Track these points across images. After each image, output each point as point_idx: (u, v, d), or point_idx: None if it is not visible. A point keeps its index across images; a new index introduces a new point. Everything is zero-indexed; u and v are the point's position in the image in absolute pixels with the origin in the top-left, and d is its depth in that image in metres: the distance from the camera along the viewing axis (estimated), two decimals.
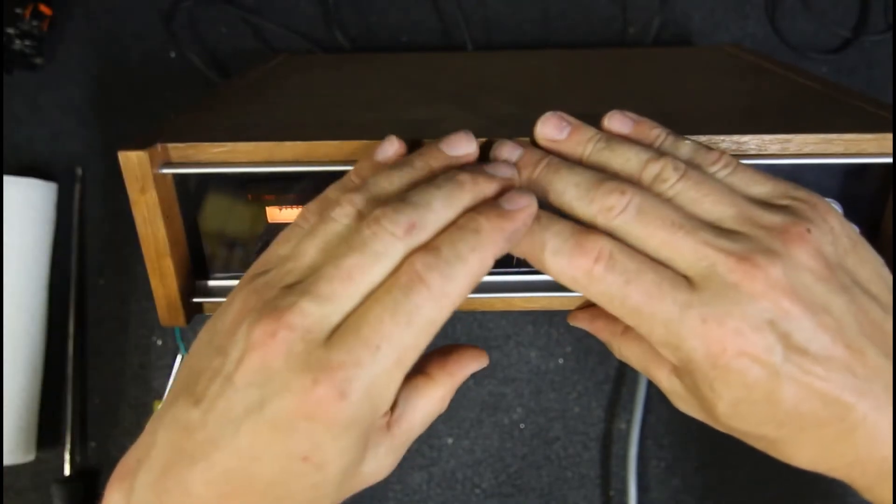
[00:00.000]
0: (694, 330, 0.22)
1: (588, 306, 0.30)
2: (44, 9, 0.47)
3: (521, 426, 0.51)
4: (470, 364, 0.28)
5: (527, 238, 0.24)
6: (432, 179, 0.24)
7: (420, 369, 0.26)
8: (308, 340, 0.21)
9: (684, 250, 0.23)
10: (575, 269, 0.23)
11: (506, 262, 0.29)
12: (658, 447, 0.50)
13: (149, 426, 0.23)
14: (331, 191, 0.25)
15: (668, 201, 0.24)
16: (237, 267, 0.29)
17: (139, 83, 0.50)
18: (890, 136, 0.26)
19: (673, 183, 0.24)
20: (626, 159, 0.25)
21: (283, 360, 0.21)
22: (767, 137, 0.26)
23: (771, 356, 0.22)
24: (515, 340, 0.50)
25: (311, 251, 0.23)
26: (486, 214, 0.23)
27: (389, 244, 0.22)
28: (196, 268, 0.29)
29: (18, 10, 0.46)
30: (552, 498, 0.51)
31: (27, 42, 0.47)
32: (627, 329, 0.27)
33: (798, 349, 0.22)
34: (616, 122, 0.27)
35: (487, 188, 0.24)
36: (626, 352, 0.27)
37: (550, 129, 0.26)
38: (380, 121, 0.30)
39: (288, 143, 0.26)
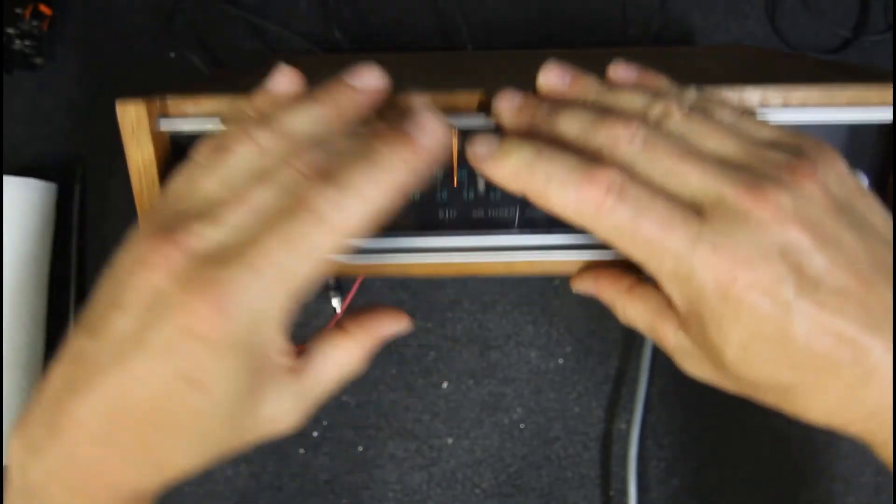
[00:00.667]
0: (705, 260, 0.21)
1: (589, 268, 0.29)
2: (44, 9, 0.47)
3: (521, 426, 0.51)
4: (387, 323, 0.27)
5: (528, 171, 0.23)
6: (345, 122, 0.23)
7: (338, 325, 0.26)
8: (195, 260, 0.21)
9: (692, 180, 0.22)
10: (584, 201, 0.22)
11: (507, 225, 0.28)
12: (658, 447, 0.50)
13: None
14: (228, 125, 0.24)
15: (667, 134, 0.23)
16: None
17: (139, 83, 0.50)
18: (890, 85, 0.26)
19: (679, 119, 0.24)
20: (630, 101, 0.25)
21: (168, 278, 0.20)
22: (771, 89, 0.26)
23: (782, 288, 0.21)
24: (515, 340, 0.50)
25: (208, 184, 0.22)
26: (390, 143, 0.22)
27: (289, 175, 0.21)
28: None
29: (18, 10, 0.46)
30: (552, 498, 0.51)
31: (27, 42, 0.47)
32: (633, 286, 0.27)
33: (811, 282, 0.21)
34: (621, 70, 0.26)
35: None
36: (631, 311, 0.27)
37: (553, 77, 0.26)
38: None
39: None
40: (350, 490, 0.51)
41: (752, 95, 0.26)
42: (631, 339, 0.50)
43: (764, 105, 0.27)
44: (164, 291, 0.20)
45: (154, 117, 0.26)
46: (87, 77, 0.50)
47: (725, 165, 0.22)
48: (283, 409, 0.24)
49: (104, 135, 0.49)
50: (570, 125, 0.24)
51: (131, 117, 0.25)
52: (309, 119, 0.23)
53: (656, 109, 0.24)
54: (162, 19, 0.50)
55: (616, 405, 0.50)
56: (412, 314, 0.50)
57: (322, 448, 0.51)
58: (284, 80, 0.25)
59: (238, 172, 0.22)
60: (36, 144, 0.49)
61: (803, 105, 0.26)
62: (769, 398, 0.24)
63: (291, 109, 0.23)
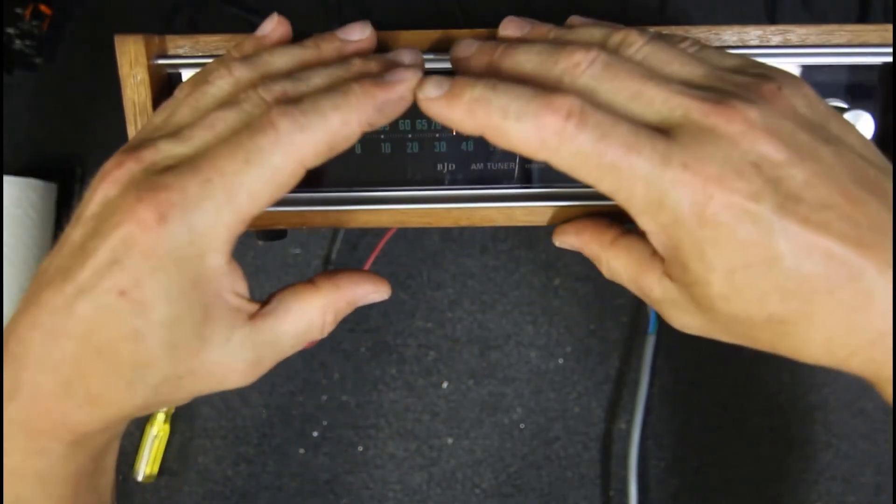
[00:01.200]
0: (676, 178, 0.20)
1: (572, 222, 0.28)
2: (44, 9, 0.47)
3: (521, 426, 0.51)
4: (363, 286, 0.26)
5: (483, 107, 0.22)
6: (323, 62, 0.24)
7: (311, 280, 0.25)
8: (149, 170, 0.20)
9: (656, 101, 0.21)
10: (543, 129, 0.21)
11: (506, 177, 0.28)
12: (658, 447, 0.50)
13: None
14: (210, 64, 0.24)
15: (629, 59, 0.23)
16: None
17: None
18: (890, 26, 0.26)
19: (640, 47, 0.23)
20: (590, 33, 0.24)
21: (121, 186, 0.20)
22: (770, 28, 0.26)
23: (760, 204, 0.20)
24: (515, 340, 0.50)
25: (184, 112, 0.22)
26: (360, 81, 0.22)
27: (255, 99, 0.22)
28: None
29: (18, 10, 0.46)
30: (552, 498, 0.51)
31: (27, 42, 0.47)
32: (616, 239, 0.26)
33: (791, 197, 0.20)
34: (577, 19, 0.27)
35: (377, 69, 0.23)
36: (615, 262, 0.25)
37: (512, 28, 0.26)
38: None
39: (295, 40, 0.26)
40: (350, 490, 0.51)
41: (751, 34, 0.26)
42: (631, 339, 0.50)
43: (764, 44, 0.26)
44: (115, 197, 0.20)
45: (152, 54, 0.26)
46: (87, 77, 0.50)
47: (690, 86, 0.22)
48: (234, 356, 0.23)
49: (104, 135, 0.49)
50: (528, 57, 0.23)
51: (129, 53, 0.25)
52: (288, 58, 0.24)
53: (616, 38, 0.23)
54: (162, 19, 0.50)
55: (616, 405, 0.50)
56: (412, 314, 0.50)
57: (322, 448, 0.51)
58: (270, 26, 0.26)
59: (210, 99, 0.22)
60: (36, 144, 0.49)
61: (802, 44, 0.26)
62: (763, 338, 0.22)
63: (274, 50, 0.24)
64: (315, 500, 0.51)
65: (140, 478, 0.48)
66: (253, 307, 0.24)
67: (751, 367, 0.50)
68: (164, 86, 0.27)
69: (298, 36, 0.27)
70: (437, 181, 0.28)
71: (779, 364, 0.49)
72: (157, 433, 0.48)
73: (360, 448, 0.51)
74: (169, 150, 0.21)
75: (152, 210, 0.19)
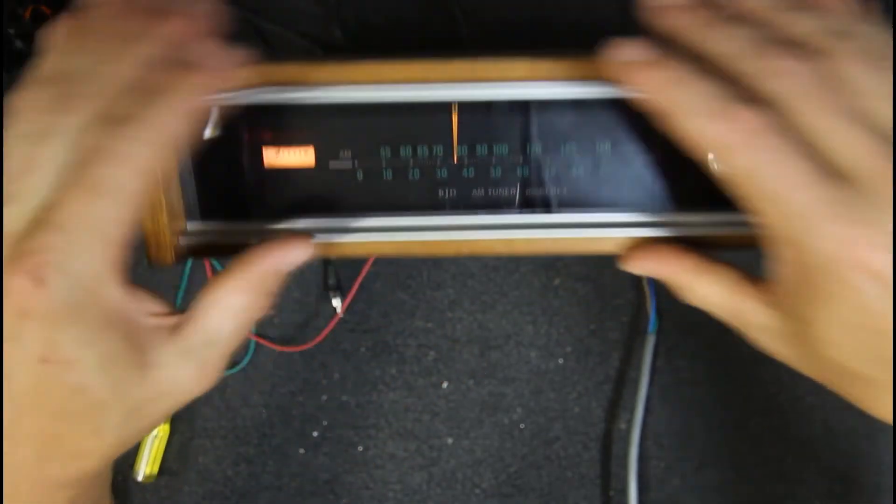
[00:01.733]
0: (839, 233, 0.20)
1: (642, 246, 0.27)
2: (44, 9, 0.47)
3: (521, 426, 0.51)
4: (272, 251, 0.25)
5: (675, 89, 0.21)
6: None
7: (223, 269, 0.25)
8: (10, 244, 0.20)
9: (853, 148, 0.20)
10: (722, 133, 0.20)
11: (508, 204, 0.28)
12: (658, 447, 0.50)
13: None
14: (15, 94, 0.23)
15: (843, 84, 0.21)
16: (230, 210, 0.28)
17: None
18: None
19: (855, 71, 0.21)
20: (804, 27, 0.22)
21: None
22: None
23: None
24: (515, 340, 0.50)
25: (10, 165, 0.21)
26: (173, 72, 0.21)
27: (66, 124, 0.20)
28: (188, 209, 0.28)
29: (19, 11, 0.46)
30: (552, 498, 0.51)
31: (27, 42, 0.47)
32: (700, 263, 0.25)
33: None
34: None
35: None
36: (705, 289, 0.25)
37: None
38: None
39: (288, 65, 0.25)
40: (350, 490, 0.51)
41: None
42: (631, 339, 0.50)
43: None
44: None
45: None
46: None
47: (889, 140, 0.20)
48: (177, 370, 0.23)
49: None
50: (733, 40, 0.22)
51: None
52: (95, 59, 0.22)
53: (831, 47, 0.21)
54: None
55: (616, 405, 0.50)
56: (412, 314, 0.50)
57: (322, 448, 0.51)
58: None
59: (24, 140, 0.21)
60: None
61: None
62: (845, 387, 0.23)
63: (74, 51, 0.22)
64: (315, 500, 0.51)
65: (140, 478, 0.48)
66: (172, 320, 0.24)
67: (751, 367, 0.50)
68: None
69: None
70: (439, 207, 0.28)
71: (779, 364, 0.49)
72: (157, 433, 0.48)
73: (360, 448, 0.51)
74: (15, 214, 0.20)
75: (27, 277, 0.19)
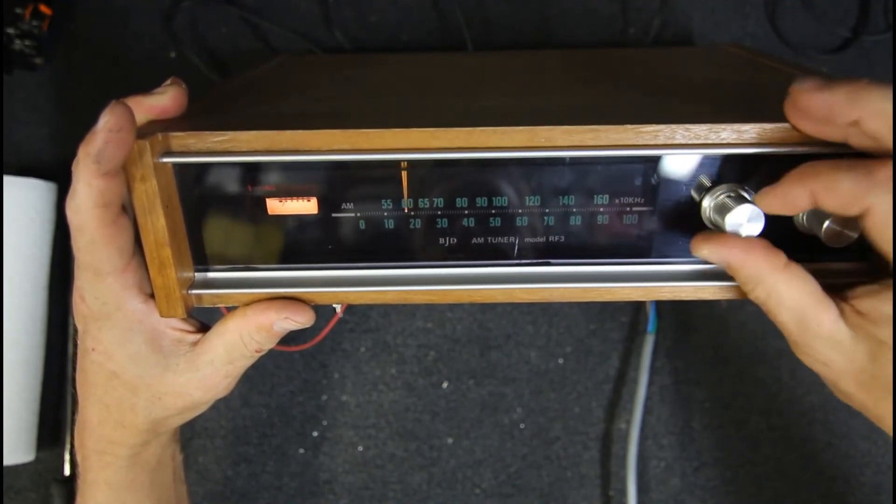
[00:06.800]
0: None
1: (729, 237, 0.26)
2: (44, 9, 0.47)
3: (521, 426, 0.51)
4: (266, 312, 0.29)
5: (844, 134, 0.23)
6: None
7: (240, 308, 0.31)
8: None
9: None
10: (865, 195, 0.22)
11: (506, 255, 0.29)
12: (658, 447, 0.50)
13: None
14: None
15: None
16: (237, 259, 0.29)
17: (139, 83, 0.49)
18: None
19: None
20: None
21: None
22: (768, 126, 0.26)
23: None
24: (515, 340, 0.50)
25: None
26: (83, 143, 0.25)
27: None
28: (196, 260, 0.29)
29: (18, 10, 0.46)
30: (552, 498, 0.51)
31: (27, 42, 0.47)
32: (788, 264, 0.25)
33: None
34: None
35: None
36: (786, 290, 0.25)
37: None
38: (381, 111, 0.30)
39: (288, 132, 0.26)
40: (350, 490, 0.51)
41: (749, 132, 0.26)
42: (631, 338, 0.50)
43: (761, 141, 0.26)
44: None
45: (157, 153, 0.26)
46: (87, 77, 0.50)
47: None
48: (188, 377, 0.30)
49: None
50: (884, 121, 0.22)
51: (133, 154, 0.26)
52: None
53: None
54: (162, 19, 0.50)
55: (616, 405, 0.50)
56: (412, 314, 0.50)
57: (322, 448, 0.51)
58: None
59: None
60: (36, 144, 0.50)
61: (803, 142, 0.25)
62: (883, 408, 0.25)
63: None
64: (315, 500, 0.51)
65: None
66: (195, 337, 0.30)
67: (751, 367, 0.50)
68: (173, 183, 0.27)
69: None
70: (440, 256, 0.29)
71: (779, 364, 0.49)
72: None
73: (360, 448, 0.51)
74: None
75: (77, 297, 0.29)
